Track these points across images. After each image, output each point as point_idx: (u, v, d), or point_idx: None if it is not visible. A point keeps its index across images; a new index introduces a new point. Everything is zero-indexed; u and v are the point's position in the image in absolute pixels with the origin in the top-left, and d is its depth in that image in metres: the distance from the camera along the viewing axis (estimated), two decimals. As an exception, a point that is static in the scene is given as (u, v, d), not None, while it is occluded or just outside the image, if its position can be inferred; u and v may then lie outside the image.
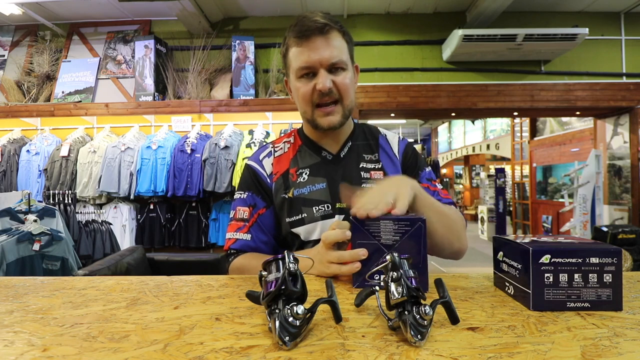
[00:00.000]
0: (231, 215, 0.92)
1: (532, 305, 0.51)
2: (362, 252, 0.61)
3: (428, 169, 0.98)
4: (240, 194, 0.92)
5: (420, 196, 0.72)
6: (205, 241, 3.33)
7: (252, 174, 0.93)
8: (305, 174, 0.90)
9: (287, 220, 0.87)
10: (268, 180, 0.91)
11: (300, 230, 0.86)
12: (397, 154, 0.96)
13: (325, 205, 0.86)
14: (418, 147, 10.82)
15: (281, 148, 0.96)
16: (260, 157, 0.95)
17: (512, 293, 0.56)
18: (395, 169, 0.94)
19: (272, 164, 0.93)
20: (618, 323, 0.46)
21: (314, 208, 0.85)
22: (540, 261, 0.51)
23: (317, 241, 0.83)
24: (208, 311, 0.51)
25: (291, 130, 1.00)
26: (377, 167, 0.92)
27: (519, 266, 0.54)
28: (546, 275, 0.51)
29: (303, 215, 0.85)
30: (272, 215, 0.90)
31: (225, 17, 3.80)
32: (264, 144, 1.06)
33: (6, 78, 3.78)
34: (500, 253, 0.60)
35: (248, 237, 0.88)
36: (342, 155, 0.92)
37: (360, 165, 0.91)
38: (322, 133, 0.91)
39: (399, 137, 1.00)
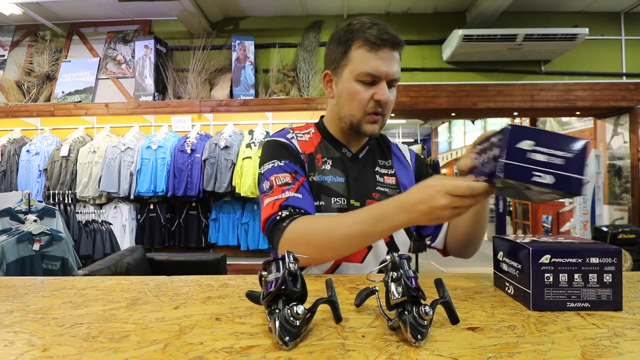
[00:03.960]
0: (266, 187, 0.80)
1: (532, 305, 0.51)
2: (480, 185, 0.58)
3: None
4: (274, 162, 0.83)
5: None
6: (205, 241, 3.33)
7: (284, 147, 0.87)
8: (329, 163, 0.90)
9: None
10: (301, 156, 0.88)
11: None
12: (409, 161, 1.00)
13: (342, 199, 0.86)
14: (418, 147, 10.82)
15: (302, 135, 0.94)
16: (288, 136, 0.91)
17: (512, 293, 0.56)
18: (408, 175, 0.97)
19: (298, 145, 0.90)
20: (618, 323, 0.46)
21: (332, 199, 0.86)
22: (540, 261, 0.51)
23: None
24: (208, 311, 0.51)
25: (307, 124, 0.99)
26: (390, 172, 0.95)
27: (519, 266, 0.54)
28: (546, 275, 0.51)
29: (321, 203, 0.85)
30: (310, 189, 0.84)
31: (225, 17, 3.80)
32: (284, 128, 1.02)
33: (6, 78, 3.78)
34: (500, 253, 0.60)
35: (299, 195, 0.77)
36: (360, 156, 0.94)
37: (375, 169, 0.93)
38: (347, 134, 0.92)
39: (408, 148, 1.05)
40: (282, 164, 0.83)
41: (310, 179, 0.85)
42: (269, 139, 0.91)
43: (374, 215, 0.67)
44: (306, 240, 0.69)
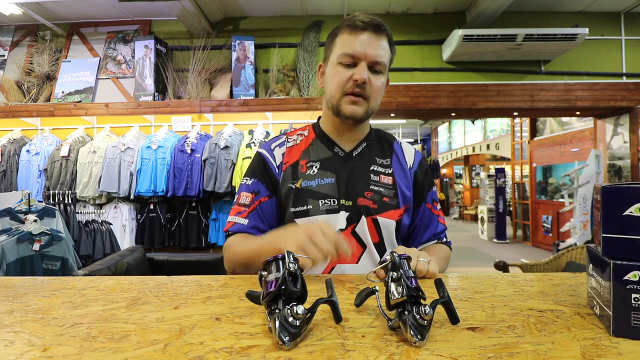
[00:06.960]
0: (234, 200, 0.95)
1: (612, 330, 0.42)
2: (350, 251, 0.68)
3: (434, 188, 1.01)
4: (247, 179, 0.94)
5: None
6: (205, 241, 3.33)
7: (260, 162, 0.94)
8: (316, 167, 0.91)
9: (292, 210, 0.88)
10: (276, 170, 0.92)
11: (303, 222, 0.86)
12: (410, 164, 0.97)
13: (332, 200, 0.87)
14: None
15: (294, 140, 0.97)
16: (272, 146, 0.96)
17: (598, 313, 0.48)
18: (406, 178, 0.95)
19: (282, 154, 0.94)
20: (618, 323, 0.46)
21: (320, 201, 0.87)
22: (626, 278, 0.41)
23: None
24: (208, 311, 0.51)
25: (305, 125, 1.02)
26: (387, 172, 0.93)
27: (602, 282, 0.45)
28: (634, 295, 0.41)
29: (308, 207, 0.87)
30: (273, 205, 0.91)
31: (225, 17, 3.80)
32: (278, 135, 1.08)
33: (6, 78, 3.78)
34: (591, 266, 0.50)
35: (245, 222, 0.90)
36: (354, 154, 0.94)
37: (372, 168, 0.92)
38: (339, 127, 0.93)
39: (415, 149, 1.02)
40: (250, 183, 0.93)
41: (294, 187, 0.89)
42: (258, 149, 0.99)
43: (271, 236, 0.79)
44: (231, 252, 0.88)
